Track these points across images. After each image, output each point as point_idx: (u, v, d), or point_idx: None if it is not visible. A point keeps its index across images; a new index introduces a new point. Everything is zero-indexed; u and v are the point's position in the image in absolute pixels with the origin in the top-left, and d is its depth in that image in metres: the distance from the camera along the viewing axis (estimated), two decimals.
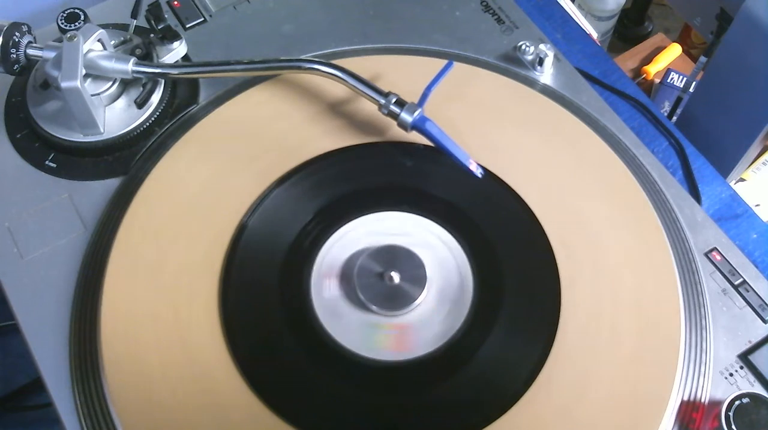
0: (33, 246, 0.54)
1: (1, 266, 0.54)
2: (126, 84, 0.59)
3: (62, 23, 0.59)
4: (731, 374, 0.50)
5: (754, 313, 0.52)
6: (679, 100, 1.01)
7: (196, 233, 0.54)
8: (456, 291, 0.52)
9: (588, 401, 0.47)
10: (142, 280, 0.52)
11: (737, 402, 0.45)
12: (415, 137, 0.56)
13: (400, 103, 0.55)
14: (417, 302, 0.51)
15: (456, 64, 0.58)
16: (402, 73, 0.60)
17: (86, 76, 0.56)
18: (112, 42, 0.59)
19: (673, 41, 1.14)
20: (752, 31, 0.60)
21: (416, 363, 0.49)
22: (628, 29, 1.31)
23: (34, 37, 0.57)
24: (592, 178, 0.56)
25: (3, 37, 0.54)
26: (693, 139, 0.62)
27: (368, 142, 0.58)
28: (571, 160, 0.57)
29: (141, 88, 0.59)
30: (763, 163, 0.86)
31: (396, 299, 0.51)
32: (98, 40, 0.57)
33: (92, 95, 0.56)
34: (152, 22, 0.59)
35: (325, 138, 0.58)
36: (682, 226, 0.55)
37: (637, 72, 1.11)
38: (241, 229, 0.54)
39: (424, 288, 0.51)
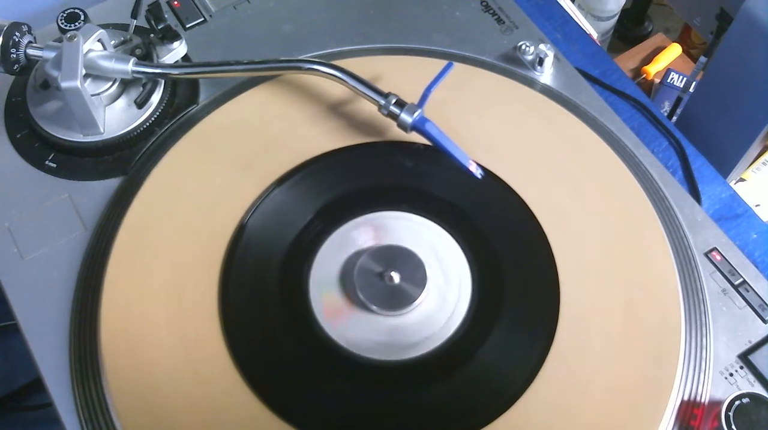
0: (33, 246, 0.54)
1: (1, 266, 0.54)
2: (126, 84, 0.59)
3: (62, 23, 0.59)
4: (731, 374, 0.50)
5: (754, 313, 0.52)
6: (679, 100, 1.01)
7: (196, 233, 0.54)
8: (456, 291, 0.52)
9: (588, 401, 0.47)
10: (142, 280, 0.52)
11: (737, 402, 0.45)
12: (415, 137, 0.56)
13: (400, 103, 0.55)
14: (417, 302, 0.51)
15: (456, 64, 0.58)
16: (402, 74, 0.60)
17: (86, 76, 0.56)
18: (112, 42, 0.59)
19: (673, 41, 1.14)
20: (752, 31, 0.60)
21: (416, 363, 0.49)
22: (628, 29, 1.31)
23: (34, 37, 0.57)
24: (592, 179, 0.56)
25: (3, 37, 0.54)
26: (693, 139, 0.62)
27: (368, 142, 0.58)
28: (571, 160, 0.57)
29: (141, 88, 0.59)
30: (763, 163, 0.86)
31: (396, 299, 0.51)
32: (98, 40, 0.57)
33: (92, 95, 0.56)
34: (152, 22, 0.59)
35: (325, 138, 0.58)
36: (682, 226, 0.55)
37: (637, 72, 1.11)
38: (241, 229, 0.54)
39: (424, 288, 0.51)
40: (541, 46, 0.61)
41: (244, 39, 0.65)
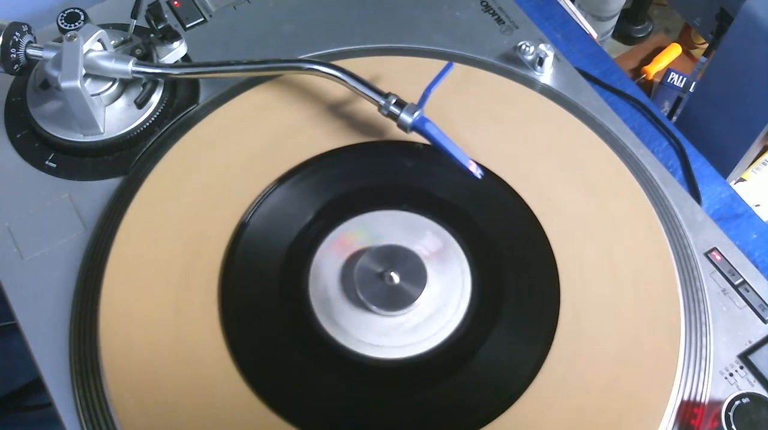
0: (33, 246, 0.54)
1: (1, 266, 0.54)
2: (126, 84, 0.59)
3: (62, 23, 0.59)
4: (731, 374, 0.50)
5: (754, 313, 0.52)
6: (679, 100, 1.01)
7: (195, 233, 0.54)
8: (456, 291, 0.52)
9: (588, 401, 0.47)
10: (142, 280, 0.52)
11: (737, 402, 0.45)
12: (415, 137, 0.56)
13: (400, 104, 0.55)
14: (417, 301, 0.51)
15: (456, 65, 0.58)
16: (402, 74, 0.60)
17: (86, 76, 0.56)
18: (112, 42, 0.59)
19: (673, 41, 1.14)
20: (752, 31, 0.60)
21: (416, 362, 0.49)
22: (628, 29, 1.31)
23: (34, 37, 0.57)
24: (592, 179, 0.56)
25: (3, 37, 0.54)
26: (693, 139, 0.62)
27: (368, 142, 0.58)
28: (570, 160, 0.57)
29: (141, 88, 0.59)
30: (763, 163, 0.86)
31: (396, 299, 0.51)
32: (98, 40, 0.57)
33: (92, 95, 0.56)
34: (152, 22, 0.59)
35: (325, 138, 0.58)
36: (682, 226, 0.55)
37: (637, 72, 1.11)
38: (241, 228, 0.54)
39: (424, 288, 0.51)
40: (541, 46, 0.61)
41: (244, 39, 0.65)
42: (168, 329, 0.50)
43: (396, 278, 0.51)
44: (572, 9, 0.75)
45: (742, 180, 0.86)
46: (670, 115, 1.00)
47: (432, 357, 0.50)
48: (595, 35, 0.75)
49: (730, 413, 0.44)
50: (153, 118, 0.59)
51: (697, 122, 0.71)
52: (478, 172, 0.54)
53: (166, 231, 0.54)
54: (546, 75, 0.62)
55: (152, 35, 0.60)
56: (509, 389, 0.48)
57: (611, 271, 0.52)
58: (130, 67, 0.56)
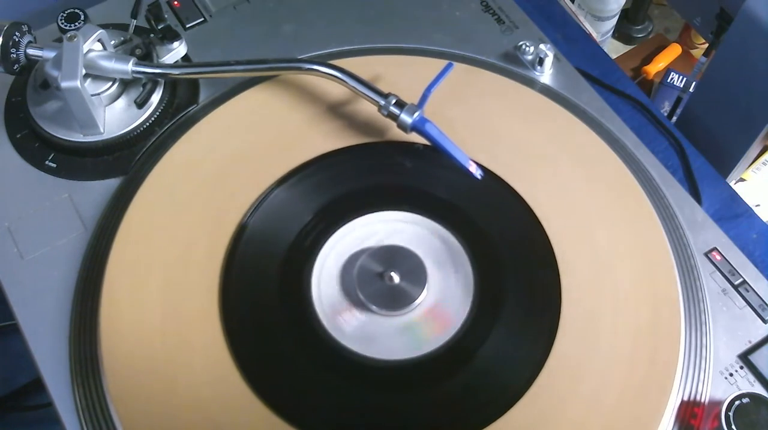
0: (33, 246, 0.54)
1: (1, 266, 0.54)
2: (126, 84, 0.59)
3: (62, 23, 0.59)
4: (731, 374, 0.50)
5: (754, 313, 0.52)
6: (679, 100, 1.01)
7: (196, 234, 0.54)
8: (456, 291, 0.52)
9: (588, 401, 0.47)
10: (142, 280, 0.52)
11: (737, 402, 0.45)
12: (415, 138, 0.56)
13: (400, 104, 0.55)
14: (417, 301, 0.51)
15: (456, 64, 0.58)
16: (402, 74, 0.60)
17: (86, 76, 0.56)
18: (112, 42, 0.59)
19: (673, 41, 1.14)
20: (752, 31, 0.60)
21: (417, 363, 0.49)
22: (628, 29, 1.31)
23: (34, 37, 0.57)
24: (592, 179, 0.56)
25: (3, 37, 0.54)
26: (693, 139, 0.62)
27: (368, 142, 0.58)
28: (571, 160, 0.57)
29: (141, 88, 0.59)
30: (763, 163, 0.86)
31: (396, 299, 0.51)
32: (98, 40, 0.57)
33: (92, 95, 0.56)
34: (152, 22, 0.59)
35: (325, 139, 0.58)
36: (682, 226, 0.55)
37: (637, 72, 1.11)
38: (241, 229, 0.54)
39: (424, 288, 0.51)
40: (541, 46, 0.61)
41: (244, 39, 0.65)
42: (168, 329, 0.50)
43: (396, 278, 0.51)
44: (572, 9, 0.75)
45: (742, 180, 0.86)
46: (670, 115, 1.00)
47: (432, 358, 0.50)
48: (595, 35, 0.75)
49: (730, 413, 0.44)
50: (153, 118, 0.59)
51: (697, 122, 0.71)
52: (478, 173, 0.54)
53: (166, 231, 0.54)
54: (546, 75, 0.62)
55: (152, 35, 0.60)
56: (511, 389, 0.48)
57: (611, 271, 0.52)
58: (130, 67, 0.56)
